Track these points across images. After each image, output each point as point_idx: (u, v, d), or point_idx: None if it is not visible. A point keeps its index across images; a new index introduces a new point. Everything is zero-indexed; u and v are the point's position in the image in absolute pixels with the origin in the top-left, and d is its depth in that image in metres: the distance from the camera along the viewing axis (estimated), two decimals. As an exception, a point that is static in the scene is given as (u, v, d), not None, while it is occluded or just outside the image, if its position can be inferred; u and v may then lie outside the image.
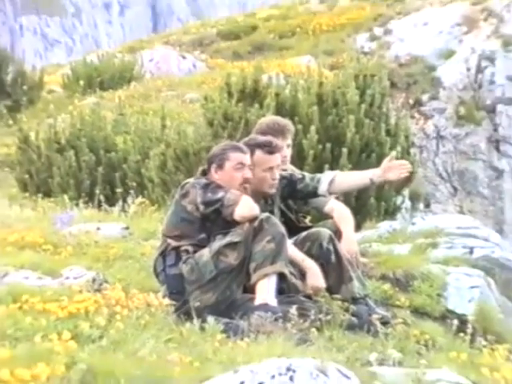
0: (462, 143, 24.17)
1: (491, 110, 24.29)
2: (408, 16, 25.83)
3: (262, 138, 8.11)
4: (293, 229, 7.85)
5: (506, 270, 10.15)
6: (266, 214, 7.38)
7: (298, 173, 8.48)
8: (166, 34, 41.35)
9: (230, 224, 7.39)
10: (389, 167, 7.94)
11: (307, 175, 8.28)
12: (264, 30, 27.96)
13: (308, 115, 13.88)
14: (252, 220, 7.32)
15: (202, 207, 7.34)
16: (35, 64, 29.64)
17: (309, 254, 7.68)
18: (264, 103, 14.22)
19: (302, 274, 7.79)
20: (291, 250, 7.72)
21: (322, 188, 7.81)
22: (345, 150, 13.08)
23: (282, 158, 8.16)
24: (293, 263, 7.64)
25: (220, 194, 7.37)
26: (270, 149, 7.78)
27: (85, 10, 74.28)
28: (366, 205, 12.29)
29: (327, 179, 7.84)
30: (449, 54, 24.78)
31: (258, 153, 7.86)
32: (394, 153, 9.16)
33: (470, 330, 7.95)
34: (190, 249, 7.58)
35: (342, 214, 8.41)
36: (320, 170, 10.32)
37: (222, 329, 6.41)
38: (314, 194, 7.92)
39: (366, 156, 13.64)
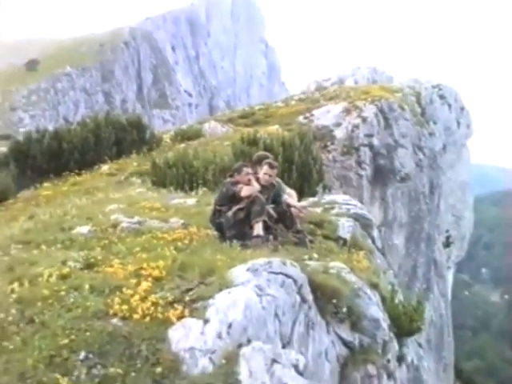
0: (344, 163, 33.05)
1: (358, 149, 33.90)
2: (320, 108, 35.69)
3: (270, 160, 13.34)
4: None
5: (363, 219, 15.86)
6: (257, 194, 12.18)
7: (281, 183, 13.93)
8: (214, 116, 53.73)
9: (241, 199, 12.22)
10: (300, 208, 13.47)
11: (282, 186, 13.82)
12: (258, 114, 37.73)
13: (277, 151, 20.02)
14: (249, 197, 12.14)
15: (230, 192, 12.41)
16: (159, 130, 41.07)
17: (277, 211, 12.93)
18: (258, 146, 20.85)
19: (278, 218, 12.91)
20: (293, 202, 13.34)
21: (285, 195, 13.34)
22: (294, 167, 19.73)
23: (271, 172, 13.15)
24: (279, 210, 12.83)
25: (238, 187, 12.31)
26: (272, 164, 13.15)
27: (180, 108, 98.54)
28: (304, 190, 17.74)
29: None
30: (338, 125, 34.23)
31: (265, 166, 13.12)
32: (305, 203, 15.55)
33: (348, 245, 13.63)
34: (225, 209, 12.43)
35: (292, 195, 14.03)
36: (286, 175, 17.20)
37: (240, 245, 11.34)
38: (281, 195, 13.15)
39: (302, 169, 19.94)
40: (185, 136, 32.67)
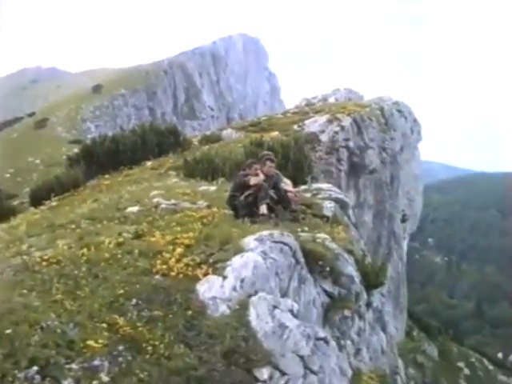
0: (328, 161, 32.57)
1: (337, 150, 33.29)
2: (310, 119, 35.01)
3: (270, 157, 13.18)
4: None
5: (341, 201, 15.72)
6: (262, 183, 12.03)
7: (279, 174, 13.58)
8: (230, 125, 53.07)
9: (250, 187, 12.05)
10: (295, 194, 13.25)
11: (280, 176, 13.49)
12: (263, 123, 36.78)
13: (277, 151, 19.59)
14: (256, 185, 12.00)
15: (242, 181, 12.24)
16: (189, 136, 39.15)
17: (277, 195, 12.56)
18: (263, 147, 20.46)
19: (278, 201, 12.58)
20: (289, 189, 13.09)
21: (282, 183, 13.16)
22: (290, 162, 19.43)
23: (271, 165, 13.03)
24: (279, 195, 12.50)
25: (248, 178, 12.16)
26: (271, 159, 13.00)
27: (205, 119, 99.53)
28: (297, 180, 16.89)
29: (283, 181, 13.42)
30: (323, 131, 33.52)
31: (268, 161, 12.91)
32: (298, 189, 15.07)
33: (330, 221, 13.45)
34: (238, 195, 12.20)
35: (288, 183, 13.85)
36: (284, 168, 16.43)
37: (249, 221, 11.23)
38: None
39: (296, 164, 19.73)
40: (208, 140, 32.55)
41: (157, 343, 6.27)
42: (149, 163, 26.30)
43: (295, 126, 34.91)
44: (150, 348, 6.20)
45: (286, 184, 13.54)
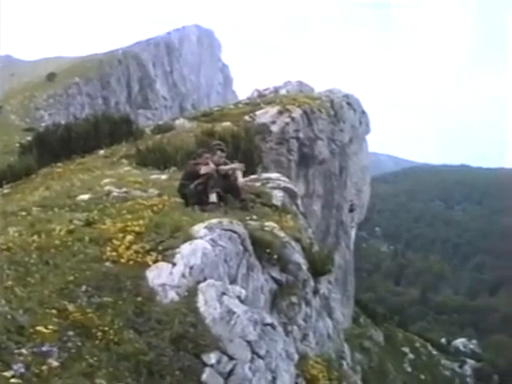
0: (278, 151, 32.59)
1: (288, 140, 33.19)
2: (261, 110, 34.30)
3: (221, 147, 13.28)
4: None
5: (290, 191, 15.70)
6: (212, 172, 12.12)
7: (229, 163, 13.28)
8: (183, 114, 52.12)
9: (200, 176, 12.08)
10: (245, 183, 13.58)
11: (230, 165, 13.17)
12: (215, 114, 35.92)
13: (228, 141, 19.57)
14: (206, 174, 12.06)
15: (193, 170, 12.32)
16: (142, 125, 38.76)
17: (227, 184, 12.52)
18: (214, 137, 20.51)
19: (228, 190, 12.57)
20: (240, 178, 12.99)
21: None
22: (240, 152, 18.86)
23: (222, 154, 13.15)
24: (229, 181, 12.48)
25: (198, 167, 12.22)
26: (222, 149, 13.15)
27: (159, 109, 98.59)
28: (248, 169, 15.35)
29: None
30: (274, 122, 33.02)
31: (219, 151, 13.05)
32: (248, 179, 14.98)
33: (279, 210, 13.59)
34: (189, 183, 12.24)
35: (238, 172, 13.40)
36: (234, 158, 15.31)
37: (199, 209, 11.41)
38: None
39: (246, 154, 19.45)
40: (161, 129, 32.07)
41: (106, 329, 6.28)
42: (101, 152, 25.97)
43: (246, 117, 34.64)
44: (99, 334, 6.20)
45: (237, 173, 13.44)
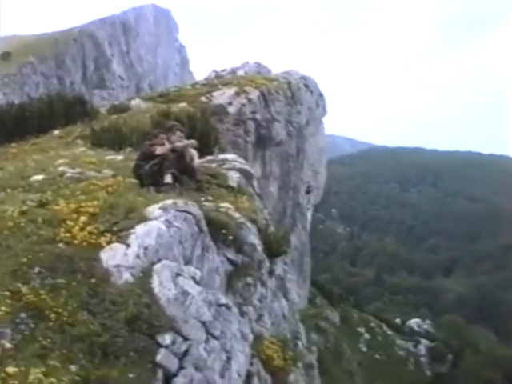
0: (235, 132, 32.82)
1: (245, 122, 33.37)
2: (218, 91, 34.38)
3: (180, 127, 13.33)
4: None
5: (246, 172, 15.70)
6: (167, 153, 12.12)
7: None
8: (139, 95, 51.36)
9: (156, 156, 12.09)
10: (200, 164, 13.57)
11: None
12: (172, 94, 35.43)
13: (184, 122, 19.24)
14: (162, 155, 12.07)
15: (148, 151, 12.35)
16: (98, 105, 37.30)
17: (183, 165, 12.44)
18: (170, 117, 20.29)
19: (184, 171, 12.49)
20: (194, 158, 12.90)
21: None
22: (196, 133, 18.07)
23: (181, 135, 13.22)
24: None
25: (154, 147, 12.28)
26: (181, 129, 13.23)
27: (115, 89, 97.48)
28: (203, 151, 15.88)
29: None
30: (231, 104, 33.22)
31: (177, 132, 13.11)
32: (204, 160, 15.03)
33: (234, 191, 13.57)
34: (144, 164, 12.20)
35: (194, 154, 13.39)
36: (191, 138, 14.33)
37: (154, 190, 11.30)
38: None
39: (202, 135, 18.90)
40: (117, 110, 31.64)
41: (60, 310, 6.24)
42: (56, 132, 25.53)
43: (203, 98, 34.50)
44: (53, 315, 6.17)
45: (192, 154, 13.41)
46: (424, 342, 72.14)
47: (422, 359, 68.73)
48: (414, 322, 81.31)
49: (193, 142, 13.38)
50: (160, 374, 6.24)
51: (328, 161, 64.85)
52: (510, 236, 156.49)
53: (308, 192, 51.25)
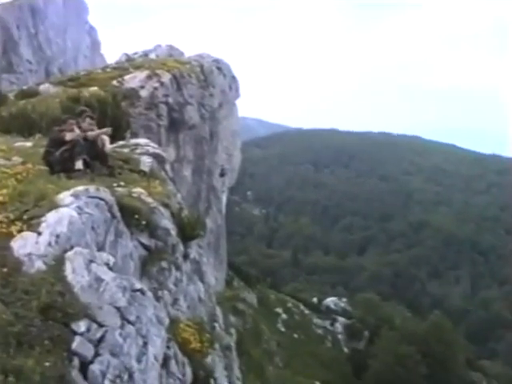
0: (147, 116, 32.30)
1: (157, 105, 33.15)
2: (129, 75, 34.17)
3: (90, 113, 13.28)
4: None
5: (159, 157, 15.66)
6: (78, 139, 12.08)
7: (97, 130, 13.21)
8: (49, 79, 49.89)
9: (66, 143, 12.00)
10: (112, 149, 13.80)
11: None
12: (82, 78, 34.83)
13: (95, 106, 19.20)
14: (72, 141, 12.02)
15: (57, 137, 12.21)
16: (6, 90, 37.24)
17: (95, 150, 12.58)
18: (80, 102, 20.01)
19: (95, 156, 12.56)
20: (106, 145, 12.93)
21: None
22: (107, 118, 18.66)
23: (91, 122, 13.26)
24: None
25: (63, 133, 12.13)
26: (92, 116, 13.26)
27: (23, 73, 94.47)
28: (115, 136, 15.69)
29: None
30: (142, 87, 32.83)
31: (87, 118, 13.10)
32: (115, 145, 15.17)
33: (147, 176, 13.46)
34: (53, 151, 12.08)
35: (105, 139, 13.38)
36: (101, 124, 14.85)
37: (65, 177, 11.14)
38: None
39: (113, 120, 18.97)
40: (25, 95, 31.07)
41: (-30, 302, 6.14)
42: (-38, 119, 24.77)
43: (114, 82, 34.20)
44: (-37, 307, 6.07)
45: (104, 140, 13.34)
46: (341, 319, 73.52)
47: (340, 337, 70.12)
48: (330, 301, 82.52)
49: (107, 129, 13.35)
50: (76, 361, 6.23)
51: (243, 143, 65.29)
52: (420, 213, 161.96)
53: (222, 175, 51.51)
